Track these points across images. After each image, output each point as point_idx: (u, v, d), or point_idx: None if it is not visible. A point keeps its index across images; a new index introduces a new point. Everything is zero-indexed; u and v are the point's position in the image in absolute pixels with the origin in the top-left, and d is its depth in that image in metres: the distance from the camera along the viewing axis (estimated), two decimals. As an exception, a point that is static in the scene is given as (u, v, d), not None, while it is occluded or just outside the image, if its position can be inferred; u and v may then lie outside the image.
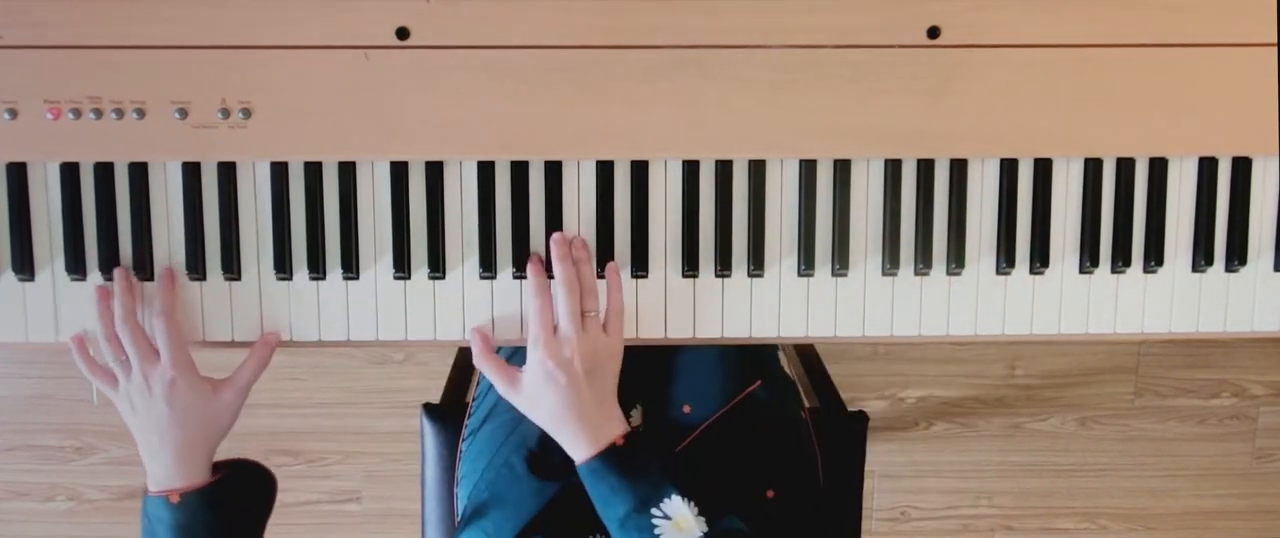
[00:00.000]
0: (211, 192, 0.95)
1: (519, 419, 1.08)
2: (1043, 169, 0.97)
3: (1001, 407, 1.96)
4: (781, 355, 1.18)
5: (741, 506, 0.97)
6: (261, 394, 1.87)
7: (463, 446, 1.19)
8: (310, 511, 1.96)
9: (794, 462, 1.09)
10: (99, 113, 0.92)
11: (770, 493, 1.02)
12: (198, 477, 0.90)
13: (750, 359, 1.11)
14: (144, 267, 0.95)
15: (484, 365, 0.93)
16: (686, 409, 1.06)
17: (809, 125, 0.93)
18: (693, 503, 0.87)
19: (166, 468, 0.90)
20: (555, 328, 0.90)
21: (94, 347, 0.94)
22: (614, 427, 0.90)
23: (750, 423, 1.07)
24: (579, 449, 0.90)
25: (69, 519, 1.95)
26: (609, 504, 0.89)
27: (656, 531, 0.87)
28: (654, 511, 0.87)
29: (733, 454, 1.04)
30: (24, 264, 0.95)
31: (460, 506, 1.17)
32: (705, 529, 0.87)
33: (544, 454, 1.04)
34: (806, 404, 1.19)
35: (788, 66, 0.92)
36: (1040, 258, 0.98)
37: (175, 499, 0.88)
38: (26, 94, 0.91)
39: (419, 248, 0.97)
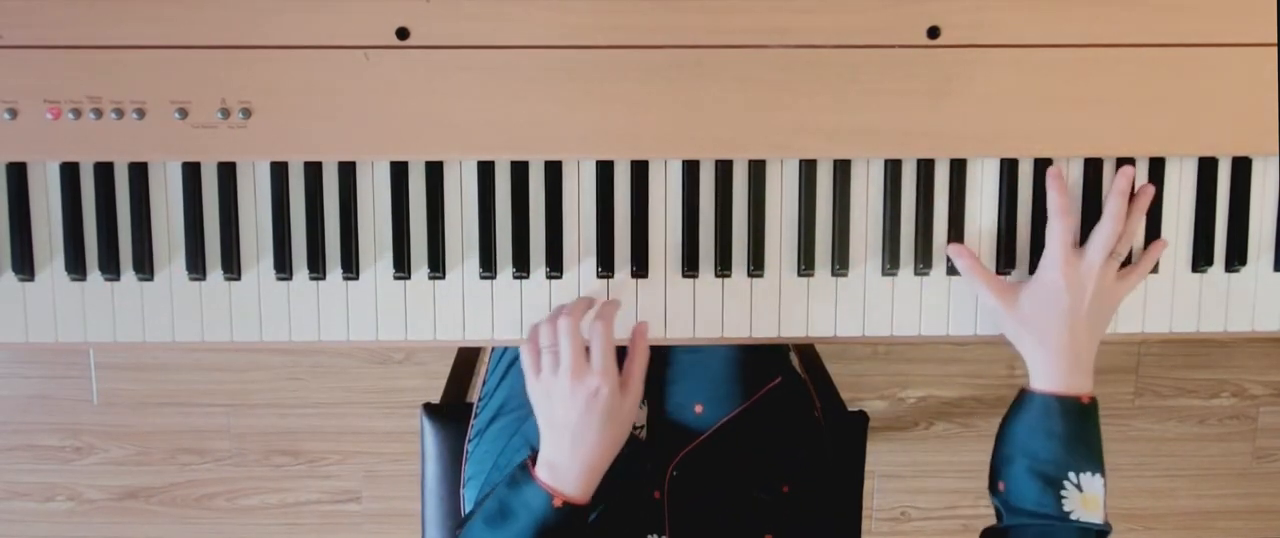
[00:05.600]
0: (211, 192, 0.95)
1: (525, 418, 1.08)
2: (1043, 169, 0.97)
3: (1001, 407, 1.94)
4: (792, 354, 1.18)
5: (757, 500, 0.98)
6: (261, 394, 1.88)
7: (468, 446, 1.18)
8: (310, 511, 1.96)
9: (808, 458, 1.09)
10: (99, 113, 0.92)
11: (785, 488, 1.02)
12: (587, 494, 0.91)
13: (765, 358, 1.12)
14: (144, 267, 0.96)
15: (975, 274, 0.94)
16: (698, 409, 1.06)
17: (809, 125, 0.93)
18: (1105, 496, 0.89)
19: (570, 472, 0.90)
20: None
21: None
22: (1086, 381, 0.90)
23: (768, 419, 1.07)
24: (1045, 378, 0.91)
25: (69, 519, 1.95)
26: (1035, 439, 0.90)
27: (1064, 492, 0.88)
28: (1072, 475, 0.88)
29: (750, 449, 1.04)
30: (24, 264, 0.95)
31: (467, 507, 1.17)
32: (1105, 523, 0.89)
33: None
34: (818, 403, 1.20)
35: (788, 66, 0.92)
36: (1040, 258, 0.97)
37: (558, 503, 0.89)
38: (26, 94, 0.91)
39: (419, 248, 0.97)
